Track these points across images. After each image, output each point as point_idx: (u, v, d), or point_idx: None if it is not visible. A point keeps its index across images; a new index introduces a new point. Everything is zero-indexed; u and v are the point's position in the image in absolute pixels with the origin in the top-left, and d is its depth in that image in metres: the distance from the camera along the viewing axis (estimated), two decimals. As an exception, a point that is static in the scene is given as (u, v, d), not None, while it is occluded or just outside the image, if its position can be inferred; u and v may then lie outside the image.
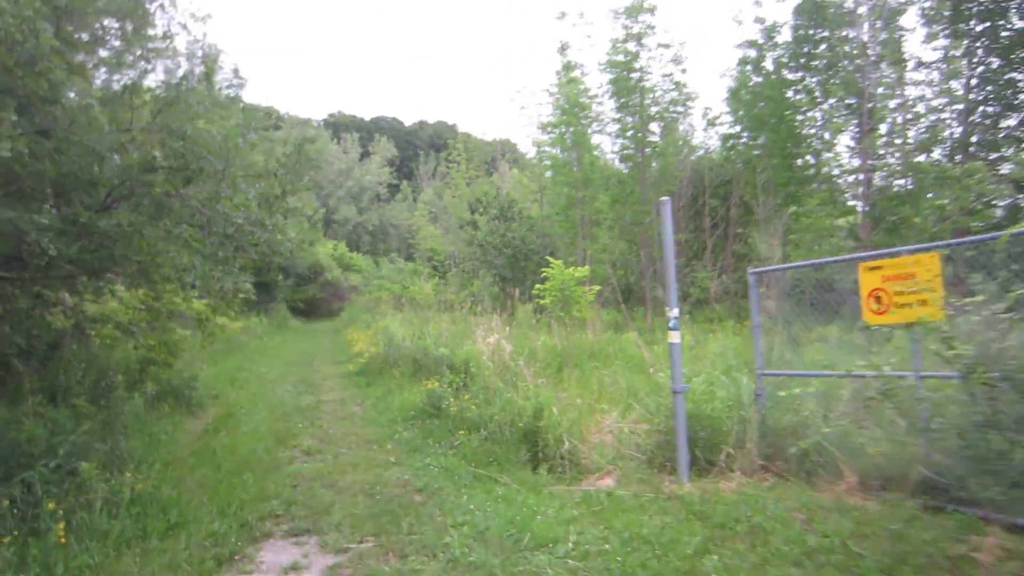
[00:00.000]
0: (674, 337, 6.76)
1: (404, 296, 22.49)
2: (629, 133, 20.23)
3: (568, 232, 20.73)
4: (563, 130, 20.24)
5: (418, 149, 72.37)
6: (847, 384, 6.50)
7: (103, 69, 5.10)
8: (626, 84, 19.94)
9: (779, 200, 20.61)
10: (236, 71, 7.27)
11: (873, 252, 6.32)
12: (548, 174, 21.96)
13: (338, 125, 70.80)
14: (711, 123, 22.69)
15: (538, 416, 7.49)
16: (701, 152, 23.55)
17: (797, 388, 6.97)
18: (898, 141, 18.01)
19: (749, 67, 21.95)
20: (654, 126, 20.58)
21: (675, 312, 6.84)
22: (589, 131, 20.58)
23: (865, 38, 18.46)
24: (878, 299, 5.84)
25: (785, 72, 21.62)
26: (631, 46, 19.80)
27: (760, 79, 21.59)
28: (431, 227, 42.53)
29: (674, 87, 20.48)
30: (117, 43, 5.09)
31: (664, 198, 7.00)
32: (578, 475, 6.83)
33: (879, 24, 18.19)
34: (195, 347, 10.01)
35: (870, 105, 17.61)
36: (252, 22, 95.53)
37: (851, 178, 19.87)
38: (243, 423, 8.82)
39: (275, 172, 5.54)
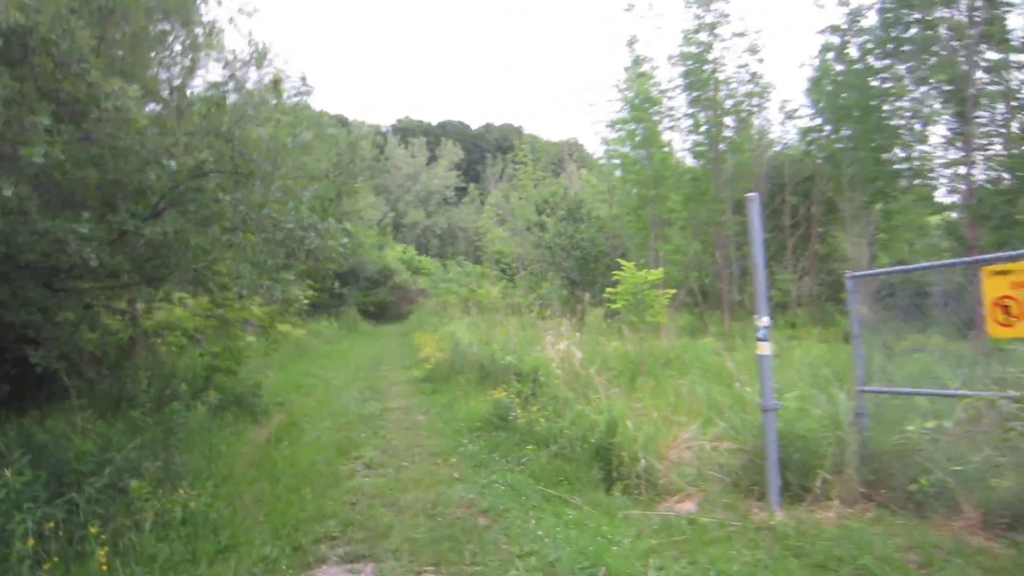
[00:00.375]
0: (764, 348, 6.06)
1: (471, 299, 22.23)
2: (703, 128, 19.28)
3: (639, 233, 19.94)
4: (633, 126, 19.47)
5: (485, 152, 72.50)
6: (957, 402, 5.71)
7: (149, 70, 4.88)
8: (699, 77, 19.01)
9: (866, 197, 19.25)
10: (304, 79, 7.01)
11: (997, 255, 5.43)
12: (618, 173, 21.25)
13: (406, 130, 71.63)
14: (789, 116, 21.40)
15: (612, 431, 6.93)
16: (779, 147, 22.30)
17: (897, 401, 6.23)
18: (1003, 130, 16.45)
19: (831, 55, 20.60)
20: (729, 120, 19.51)
21: (765, 321, 6.13)
22: (660, 127, 19.75)
23: (964, 18, 16.90)
24: (1006, 309, 4.99)
25: (871, 59, 20.17)
26: (704, 36, 18.88)
27: (844, 67, 20.20)
28: (498, 229, 42.29)
29: (750, 78, 19.40)
30: (163, 43, 4.86)
31: (751, 193, 6.32)
32: (655, 497, 6.25)
33: (979, 2, 16.63)
34: (260, 354, 9.90)
35: (972, 91, 16.10)
36: (320, 31, 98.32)
37: (949, 172, 18.29)
38: (306, 432, 8.61)
39: (327, 173, 5.23)
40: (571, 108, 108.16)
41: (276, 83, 6.49)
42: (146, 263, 4.82)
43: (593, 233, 19.45)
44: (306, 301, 9.92)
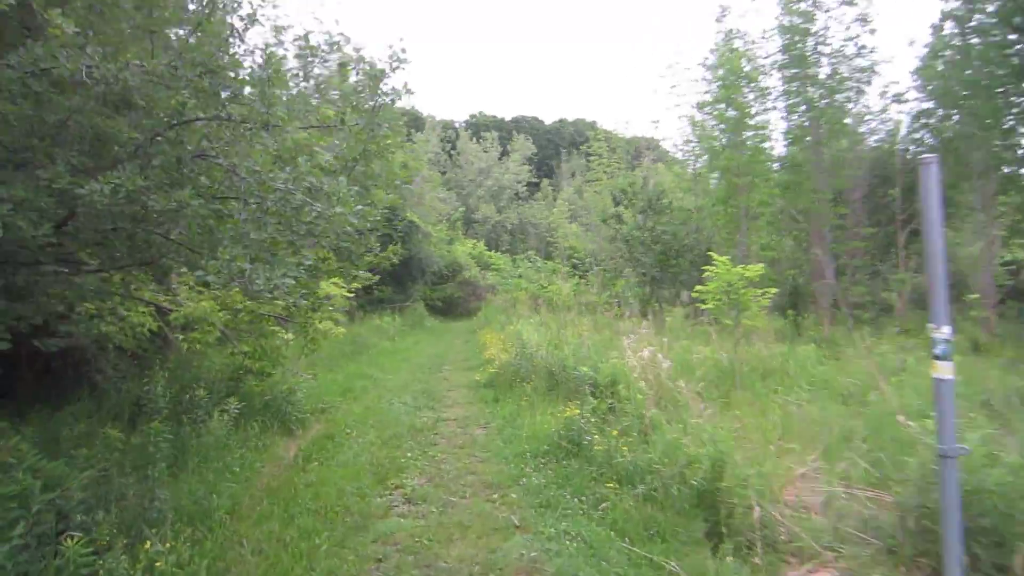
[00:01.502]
0: (943, 370, 4.21)
1: (541, 296, 20.69)
2: (802, 109, 17.01)
3: (726, 226, 17.87)
4: (723, 108, 17.39)
5: (559, 147, 70.95)
6: None
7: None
8: (799, 52, 16.78)
9: (996, 186, 16.65)
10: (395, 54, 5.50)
11: None
12: (703, 160, 19.13)
13: (478, 125, 70.76)
14: (898, 99, 18.79)
15: (718, 471, 5.28)
16: (884, 133, 19.71)
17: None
18: None
19: (950, 26, 17.98)
20: (831, 101, 17.09)
21: (945, 332, 4.27)
22: (752, 109, 17.59)
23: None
24: None
25: (1001, 31, 17.43)
26: (806, 5, 16.61)
27: (968, 40, 17.54)
28: (571, 225, 40.61)
29: (857, 52, 16.93)
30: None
31: (929, 155, 4.51)
32: (777, 560, 4.59)
33: None
34: (301, 353, 8.66)
35: None
36: (392, 26, 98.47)
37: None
38: (343, 449, 7.28)
39: (342, 117, 3.82)
40: (648, 103, 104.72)
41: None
42: (105, 239, 3.54)
43: (676, 226, 17.49)
44: (346, 294, 8.62)
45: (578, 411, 7.26)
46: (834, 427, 6.71)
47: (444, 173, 54.68)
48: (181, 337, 7.27)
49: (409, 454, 7.25)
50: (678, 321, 16.66)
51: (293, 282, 3.35)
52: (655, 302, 16.50)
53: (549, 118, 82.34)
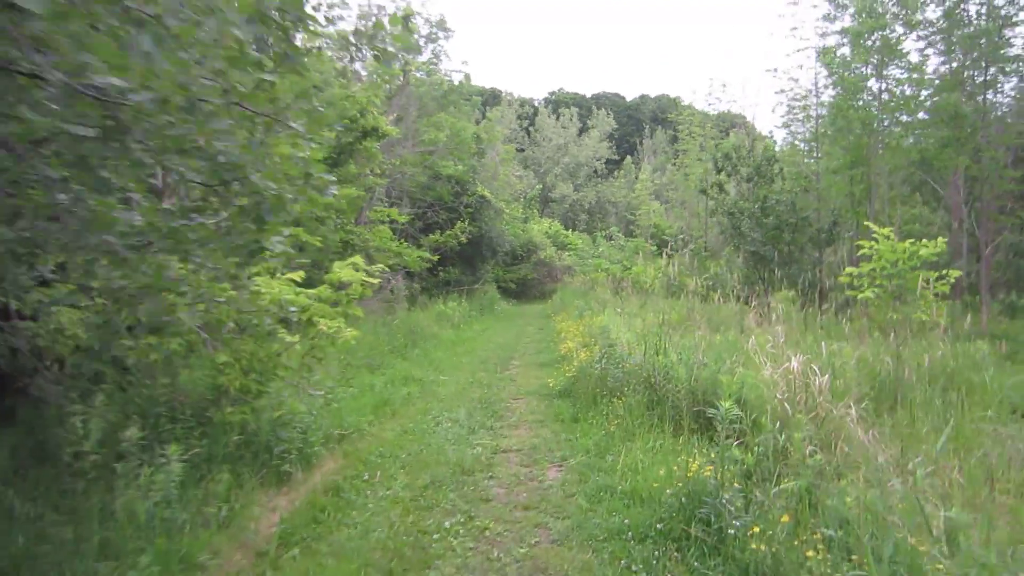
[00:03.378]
0: None
1: (626, 278, 17.79)
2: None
3: (860, 194, 14.30)
4: (867, 37, 13.65)
5: (641, 123, 67.12)
6: None
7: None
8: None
9: None
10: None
11: None
12: (821, 121, 15.49)
13: (558, 102, 67.66)
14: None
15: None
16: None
17: None
18: None
19: None
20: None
21: None
22: (901, 47, 13.86)
23: None
24: None
25: None
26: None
27: None
28: (654, 203, 37.22)
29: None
30: None
31: None
32: None
33: None
34: (300, 361, 6.22)
35: None
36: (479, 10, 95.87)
37: None
38: (351, 512, 4.82)
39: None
40: (735, 78, 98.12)
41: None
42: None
43: (794, 195, 14.05)
44: (370, 280, 6.17)
45: (709, 469, 4.52)
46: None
47: (522, 151, 51.99)
48: (128, 344, 4.96)
49: (447, 523, 4.71)
50: (789, 309, 13.46)
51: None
52: (761, 285, 13.31)
53: (630, 94, 78.12)
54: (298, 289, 5.67)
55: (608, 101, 73.00)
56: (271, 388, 5.66)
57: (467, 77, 22.59)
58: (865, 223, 8.79)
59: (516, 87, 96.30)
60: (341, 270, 5.85)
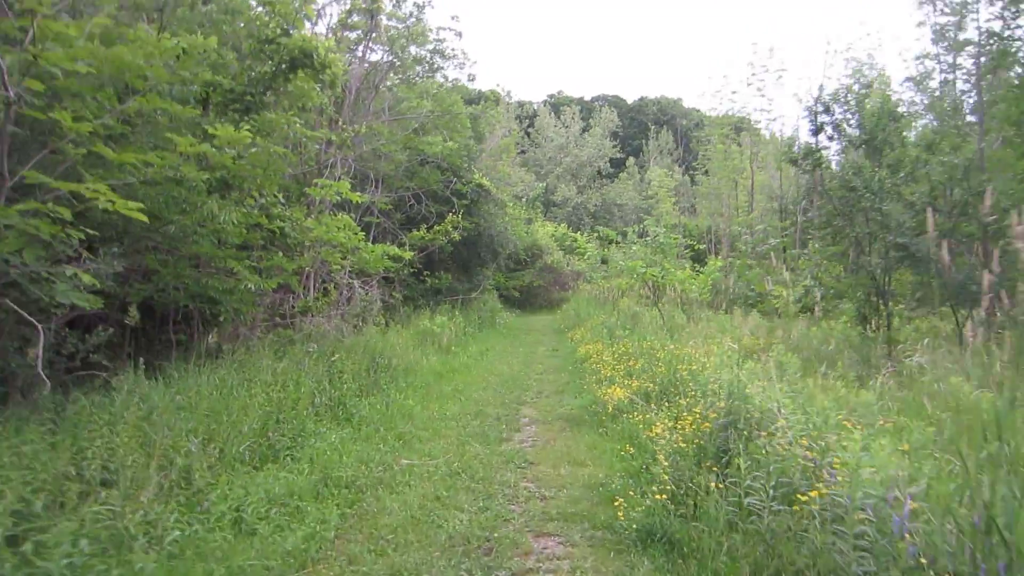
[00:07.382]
0: None
1: (670, 285, 13.04)
2: None
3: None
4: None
5: (643, 125, 62.85)
6: None
7: None
8: None
9: None
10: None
11: None
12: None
13: (558, 105, 63.20)
14: None
15: None
16: None
17: None
18: None
19: None
20: None
21: None
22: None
23: None
24: None
25: None
26: None
27: None
28: (663, 204, 32.59)
29: None
30: None
31: None
32: None
33: None
34: None
35: None
36: (481, 12, 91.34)
37: None
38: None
39: None
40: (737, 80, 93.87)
41: None
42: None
43: (951, 166, 9.00)
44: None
45: None
46: None
47: (523, 152, 47.33)
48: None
49: None
50: (913, 338, 8.71)
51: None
52: (883, 307, 8.51)
53: (630, 96, 73.72)
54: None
55: (608, 103, 68.69)
56: None
57: (459, 36, 17.86)
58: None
59: (515, 90, 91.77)
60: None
